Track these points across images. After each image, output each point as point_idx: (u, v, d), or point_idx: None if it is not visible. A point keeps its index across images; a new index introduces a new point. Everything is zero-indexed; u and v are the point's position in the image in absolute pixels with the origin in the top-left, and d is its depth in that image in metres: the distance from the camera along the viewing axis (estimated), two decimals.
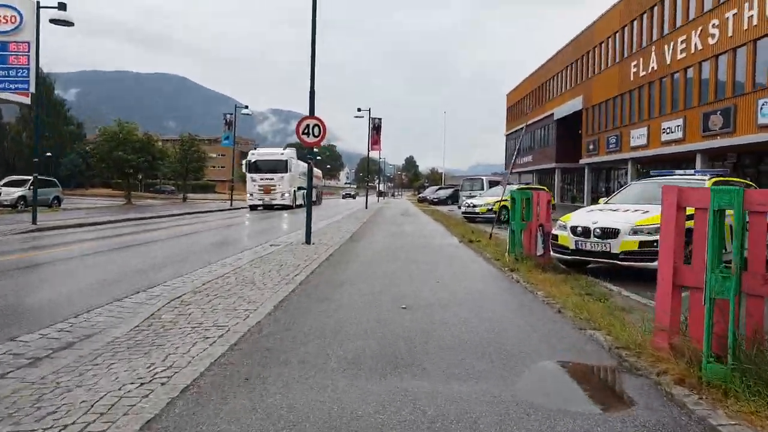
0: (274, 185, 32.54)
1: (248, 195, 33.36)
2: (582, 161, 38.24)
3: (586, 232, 8.34)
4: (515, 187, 25.02)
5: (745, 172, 22.54)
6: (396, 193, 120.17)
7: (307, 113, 12.46)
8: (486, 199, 22.90)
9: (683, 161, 25.91)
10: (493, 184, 26.84)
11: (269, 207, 33.04)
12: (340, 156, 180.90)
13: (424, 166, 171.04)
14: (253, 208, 33.05)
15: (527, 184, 25.55)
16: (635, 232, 7.86)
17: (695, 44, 23.77)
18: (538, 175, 51.38)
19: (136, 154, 32.90)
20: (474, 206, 22.86)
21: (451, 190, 54.61)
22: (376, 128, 35.03)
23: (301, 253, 10.79)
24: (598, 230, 8.17)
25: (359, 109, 34.65)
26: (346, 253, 11.06)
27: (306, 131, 12.20)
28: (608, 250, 8.04)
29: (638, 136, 29.08)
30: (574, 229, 8.57)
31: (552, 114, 44.79)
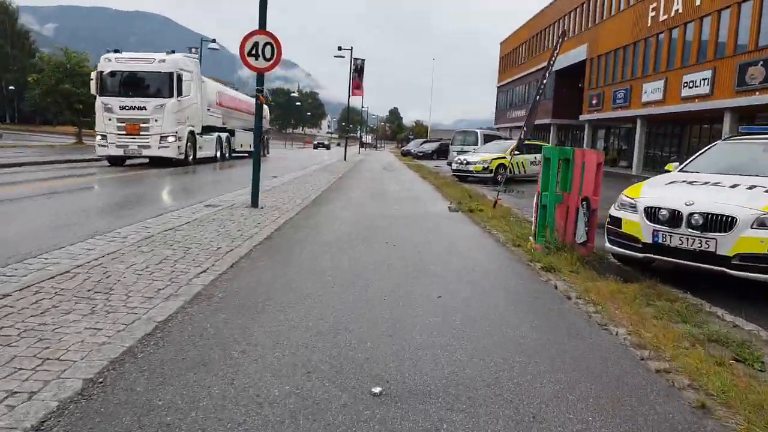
0: (147, 120, 18.47)
1: (98, 138, 18.73)
2: (583, 117, 35.06)
3: (674, 219, 5.23)
4: (509, 143, 21.81)
5: None
6: (379, 145, 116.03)
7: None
8: (481, 156, 19.72)
9: (707, 121, 22.91)
10: (488, 138, 23.63)
11: (137, 158, 19.34)
12: (322, 104, 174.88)
13: (408, 119, 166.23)
14: (113, 161, 19.00)
15: (529, 140, 22.28)
16: (763, 223, 4.78)
17: None
18: (531, 131, 48.07)
19: (86, 87, 28.66)
20: (467, 163, 19.68)
21: (437, 143, 51.26)
22: (357, 70, 31.19)
23: (236, 223, 7.57)
24: (697, 216, 5.06)
25: (340, 48, 30.67)
26: (302, 226, 7.87)
27: (254, 51, 8.73)
28: (712, 250, 4.96)
29: (652, 90, 25.88)
30: (651, 213, 5.46)
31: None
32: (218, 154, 23.89)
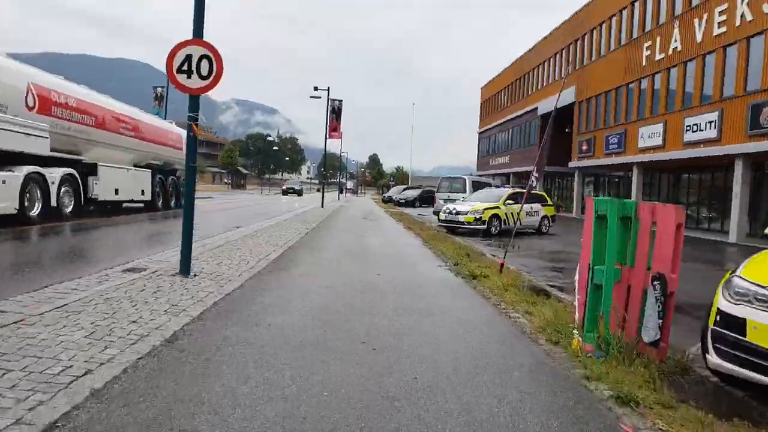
0: None
1: None
2: (572, 164, 33.48)
3: None
4: (501, 191, 19.77)
5: None
6: (359, 191, 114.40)
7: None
8: (472, 205, 17.57)
9: (713, 168, 21.24)
10: (477, 185, 21.62)
11: None
12: (302, 150, 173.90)
13: (387, 166, 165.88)
14: None
15: (521, 186, 20.30)
16: None
17: (742, 14, 18.99)
18: (515, 178, 46.62)
19: None
20: (457, 213, 17.49)
21: (419, 190, 49.45)
22: (335, 111, 29.33)
23: (137, 306, 5.06)
24: None
25: (316, 88, 28.86)
26: (238, 311, 5.38)
27: (185, 68, 6.46)
28: None
29: (650, 134, 24.33)
30: None
31: (535, 109, 40.03)
32: (37, 205, 12.46)
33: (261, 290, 6.23)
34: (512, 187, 20.13)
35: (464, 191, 21.08)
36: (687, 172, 24.04)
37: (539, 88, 40.77)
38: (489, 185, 22.24)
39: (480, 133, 59.46)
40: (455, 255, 10.81)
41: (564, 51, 35.95)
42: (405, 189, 52.31)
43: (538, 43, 41.23)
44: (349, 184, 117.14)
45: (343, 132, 58.27)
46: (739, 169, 18.93)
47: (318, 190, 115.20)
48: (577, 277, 5.02)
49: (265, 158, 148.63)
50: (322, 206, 29.38)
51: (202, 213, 20.74)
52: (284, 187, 64.39)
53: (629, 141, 26.41)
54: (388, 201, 52.08)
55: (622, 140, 26.95)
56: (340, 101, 29.63)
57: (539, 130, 39.65)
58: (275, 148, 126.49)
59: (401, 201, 46.01)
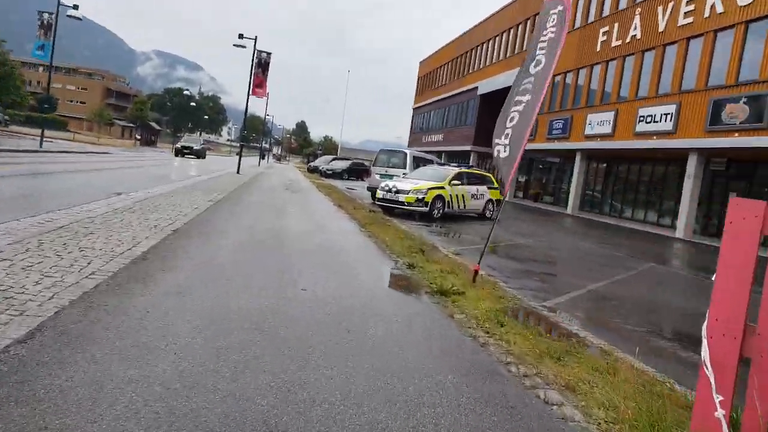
0: None
1: None
2: (531, 146, 31.91)
3: None
4: (447, 170, 17.49)
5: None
6: (283, 158, 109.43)
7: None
8: (414, 184, 15.13)
9: (664, 161, 20.10)
10: (419, 162, 19.18)
11: None
12: (224, 109, 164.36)
13: (315, 135, 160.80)
14: None
15: (468, 166, 18.09)
16: None
17: (713, 5, 17.60)
18: (448, 157, 44.93)
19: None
20: (397, 192, 14.98)
21: (349, 162, 46.60)
22: (261, 65, 25.66)
23: None
24: None
25: (241, 36, 25.01)
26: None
27: None
28: None
29: (599, 122, 22.95)
30: None
31: (476, 88, 38.22)
32: None
33: (87, 327, 3.36)
34: (459, 165, 17.84)
35: (404, 167, 18.61)
36: (636, 163, 22.97)
37: (481, 66, 38.90)
38: (431, 162, 19.92)
39: (415, 109, 57.29)
40: (405, 250, 8.30)
41: (512, 30, 34.12)
42: (333, 159, 49.21)
43: (484, 21, 39.23)
44: (278, 150, 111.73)
45: (269, 93, 54.00)
46: (693, 163, 17.80)
47: (237, 154, 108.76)
48: (705, 350, 2.60)
49: (182, 115, 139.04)
50: (238, 172, 25.89)
51: (84, 172, 16.85)
52: (177, 145, 43.84)
53: (575, 127, 25.04)
54: (313, 171, 48.84)
55: (567, 126, 25.54)
56: (269, 54, 25.97)
57: (478, 109, 37.94)
58: (193, 104, 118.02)
59: (328, 172, 43.02)
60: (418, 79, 58.05)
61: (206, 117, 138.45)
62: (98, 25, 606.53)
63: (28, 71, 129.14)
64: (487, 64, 37.81)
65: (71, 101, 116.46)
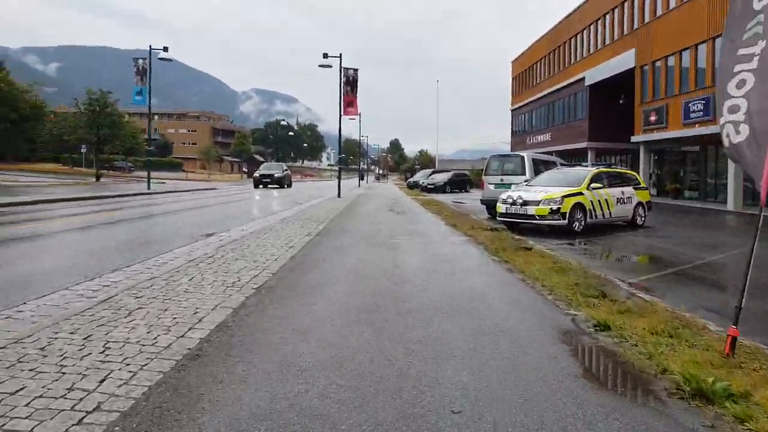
0: None
1: None
2: (636, 138, 27.91)
3: None
4: (582, 171, 14.49)
5: None
6: (381, 176, 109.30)
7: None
8: (547, 191, 12.48)
9: None
10: (540, 164, 16.42)
11: None
12: (322, 137, 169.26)
13: (408, 150, 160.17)
14: None
15: (606, 164, 14.90)
16: None
17: None
18: (560, 157, 41.04)
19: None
20: (524, 203, 12.42)
21: (450, 173, 44.30)
22: (349, 83, 24.24)
23: None
24: None
25: (325, 55, 23.75)
26: None
27: None
28: None
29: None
30: None
31: (582, 78, 34.38)
32: None
33: None
34: (594, 164, 14.84)
35: (522, 173, 15.93)
36: None
37: (585, 55, 35.04)
38: (554, 164, 17.04)
39: (513, 111, 53.82)
40: (570, 289, 5.86)
41: (617, 9, 30.16)
42: (433, 173, 47.13)
43: (583, 5, 35.41)
44: (374, 169, 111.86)
45: (361, 113, 53.32)
46: None
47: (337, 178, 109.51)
48: None
49: (283, 146, 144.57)
50: (339, 196, 24.48)
51: (182, 212, 16.00)
52: (256, 175, 37.81)
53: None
54: (413, 186, 47.06)
55: (709, 105, 21.39)
56: (355, 71, 24.50)
57: (588, 101, 34.08)
58: (290, 133, 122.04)
59: (429, 186, 40.97)
60: (513, 78, 54.58)
61: (305, 145, 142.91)
62: (203, 73, 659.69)
63: (144, 120, 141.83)
64: (592, 51, 33.91)
65: (184, 143, 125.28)
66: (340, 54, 24.15)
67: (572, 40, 37.46)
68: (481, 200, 17.59)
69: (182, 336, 3.83)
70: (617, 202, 13.45)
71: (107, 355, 3.38)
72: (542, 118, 43.93)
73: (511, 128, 54.63)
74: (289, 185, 39.29)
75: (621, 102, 31.92)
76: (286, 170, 39.71)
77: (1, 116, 21.12)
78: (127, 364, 3.23)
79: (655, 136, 25.77)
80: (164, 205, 18.15)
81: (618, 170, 14.65)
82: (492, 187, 16.85)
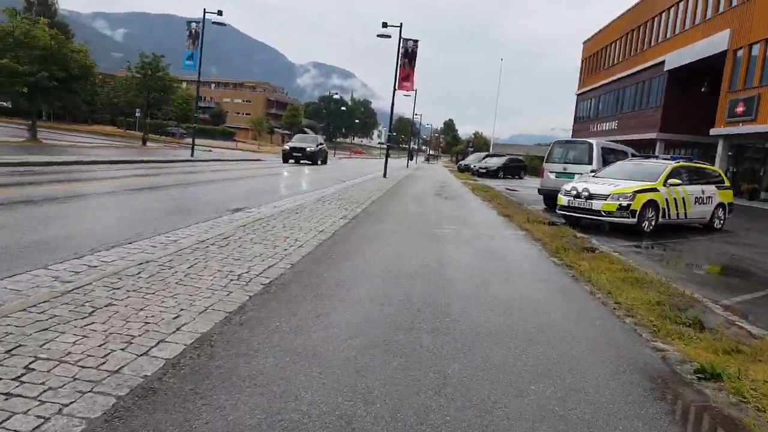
0: None
1: None
2: (716, 131, 25.39)
3: None
4: (659, 164, 12.70)
5: None
6: (431, 157, 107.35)
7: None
8: (617, 185, 10.96)
9: None
10: (609, 154, 14.75)
11: None
12: (374, 113, 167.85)
13: (462, 132, 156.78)
14: None
15: (688, 158, 13.04)
16: None
17: None
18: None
19: (35, 64, 21.22)
20: (589, 197, 10.97)
21: (504, 158, 42.35)
22: (407, 55, 22.86)
23: None
24: None
25: (385, 24, 22.43)
26: None
27: None
28: None
29: None
30: None
31: (661, 63, 31.62)
32: None
33: None
34: (674, 157, 13.07)
35: (589, 162, 14.33)
36: None
37: (667, 36, 32.17)
38: (626, 154, 15.32)
39: (579, 95, 50.89)
40: (651, 310, 4.74)
41: None
42: (486, 156, 45.26)
43: None
44: (425, 150, 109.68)
45: (416, 91, 51.76)
46: None
47: (389, 155, 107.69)
48: None
49: (336, 120, 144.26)
50: (385, 176, 23.41)
51: (219, 182, 15.29)
52: (285, 147, 32.87)
53: None
54: (464, 170, 45.37)
55: None
56: (415, 42, 23.09)
57: (665, 88, 31.40)
58: (342, 108, 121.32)
59: (481, 170, 39.22)
60: (583, 61, 51.46)
61: (357, 121, 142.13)
62: (263, 43, 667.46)
63: (201, 89, 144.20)
64: (676, 32, 31.04)
65: (238, 113, 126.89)
66: (401, 24, 22.81)
67: (655, 19, 34.50)
68: (539, 189, 16.11)
69: (144, 354, 2.87)
70: (695, 201, 11.77)
71: (20, 383, 2.44)
72: (610, 104, 41.14)
73: (575, 114, 51.74)
74: (324, 161, 34.05)
75: (703, 90, 29.19)
76: (321, 144, 33.81)
77: (48, 74, 20.99)
78: (40, 402, 2.28)
79: (741, 129, 23.24)
80: (202, 174, 17.58)
81: (700, 165, 12.85)
82: (553, 176, 15.32)
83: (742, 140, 25.35)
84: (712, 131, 25.56)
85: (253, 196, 11.74)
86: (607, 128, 40.01)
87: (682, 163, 12.03)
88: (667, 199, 11.14)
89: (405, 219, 9.85)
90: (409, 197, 14.94)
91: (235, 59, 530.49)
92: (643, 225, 10.81)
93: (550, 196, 15.85)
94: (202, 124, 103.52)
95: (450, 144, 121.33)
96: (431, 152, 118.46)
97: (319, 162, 32.25)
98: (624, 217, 10.62)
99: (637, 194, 10.65)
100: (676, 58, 29.70)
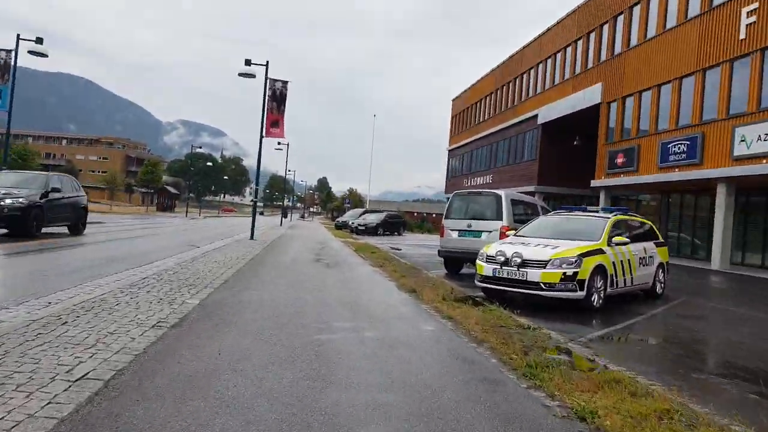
0: None
1: None
2: (597, 183, 25.06)
3: None
4: (599, 220, 10.34)
5: None
6: (306, 215, 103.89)
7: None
8: (557, 248, 8.29)
9: None
10: (519, 207, 12.42)
11: None
12: (246, 171, 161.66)
13: (336, 190, 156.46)
14: None
15: (624, 210, 10.96)
16: None
17: None
18: None
19: None
20: (523, 263, 8.18)
21: (383, 214, 40.34)
22: (276, 98, 19.56)
23: None
24: None
25: (248, 62, 19.04)
26: None
27: None
28: None
29: (761, 136, 16.01)
30: None
31: (534, 117, 31.79)
32: None
33: None
34: (603, 209, 10.86)
35: (498, 217, 11.80)
36: None
37: (539, 91, 32.59)
38: (535, 206, 13.16)
39: (450, 151, 51.20)
40: None
41: (581, 41, 27.84)
42: (364, 212, 42.90)
43: (540, 37, 33.21)
44: (301, 207, 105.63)
45: (289, 142, 48.51)
46: None
47: (262, 213, 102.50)
48: None
49: (205, 179, 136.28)
50: (252, 237, 19.45)
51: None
52: None
53: (709, 148, 18.14)
54: (342, 227, 42.56)
55: (694, 147, 18.63)
56: (284, 83, 19.93)
57: (540, 141, 31.40)
58: (209, 163, 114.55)
59: (360, 227, 36.63)
60: (452, 117, 52.19)
61: (225, 178, 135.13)
62: (127, 100, 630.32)
63: (49, 145, 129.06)
64: (548, 87, 31.48)
65: (93, 171, 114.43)
66: (267, 62, 19.59)
67: (524, 75, 35.06)
68: (439, 251, 13.27)
69: None
70: (639, 263, 9.57)
71: None
72: (484, 158, 41.16)
73: (447, 168, 51.83)
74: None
75: (575, 143, 29.42)
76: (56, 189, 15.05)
77: None
78: None
79: (622, 180, 22.89)
80: None
81: (636, 218, 10.86)
82: (455, 234, 12.61)
83: (621, 191, 25.26)
84: (594, 182, 25.24)
85: (26, 286, 7.35)
86: (482, 182, 39.72)
87: (620, 216, 9.84)
88: (614, 263, 8.73)
89: (269, 315, 6.18)
90: (280, 268, 11.25)
91: (98, 117, 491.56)
92: (592, 299, 8.21)
93: (452, 260, 13.16)
94: None
95: (325, 201, 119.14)
96: (306, 211, 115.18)
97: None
98: (569, 290, 7.93)
99: (584, 258, 8.06)
100: (549, 112, 29.82)
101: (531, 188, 31.26)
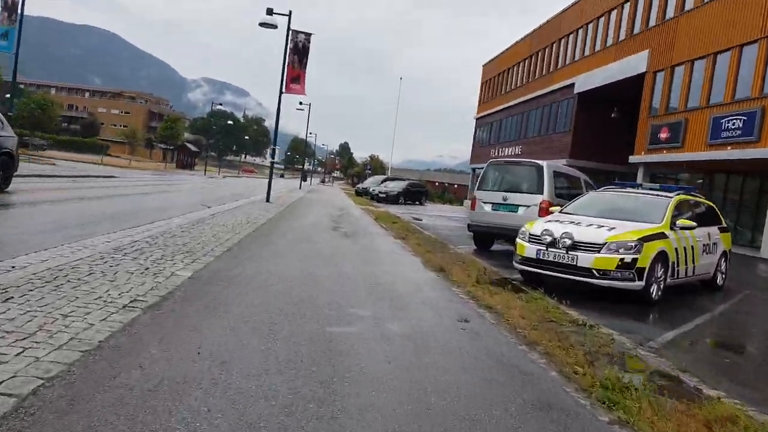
0: None
1: None
2: (635, 159, 23.41)
3: None
4: (660, 200, 8.87)
5: None
6: (327, 179, 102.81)
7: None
8: (611, 228, 7.07)
9: None
10: (561, 179, 11.12)
11: None
12: (268, 132, 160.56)
13: (357, 156, 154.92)
14: None
15: (688, 189, 9.51)
16: None
17: None
18: None
19: None
20: (573, 245, 6.97)
21: (405, 183, 39.08)
22: (298, 51, 18.25)
23: None
24: None
25: (270, 11, 17.65)
26: None
27: None
28: None
29: None
30: None
31: (570, 85, 29.87)
32: None
33: None
34: (662, 188, 9.46)
35: (538, 190, 10.55)
36: None
37: (578, 58, 30.58)
38: (579, 180, 11.87)
39: (478, 119, 49.25)
40: None
41: (628, 4, 25.72)
42: (386, 180, 41.62)
43: (581, 0, 30.97)
44: (321, 171, 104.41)
45: (311, 102, 47.14)
46: None
47: (282, 176, 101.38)
48: None
49: (226, 138, 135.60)
50: (268, 200, 18.45)
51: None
52: None
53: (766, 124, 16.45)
54: (362, 193, 41.44)
55: (753, 123, 16.93)
56: (308, 36, 18.57)
57: (575, 112, 29.60)
58: (230, 122, 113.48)
59: (381, 195, 35.51)
60: (482, 84, 50.06)
61: (247, 138, 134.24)
62: (151, 55, 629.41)
63: (72, 96, 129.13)
64: (588, 54, 29.46)
65: (115, 125, 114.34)
66: (290, 12, 18.20)
67: (562, 40, 32.95)
68: (468, 225, 12.08)
69: None
70: (703, 251, 8.29)
71: None
72: (513, 128, 39.35)
73: (474, 138, 50.03)
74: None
75: (613, 116, 27.58)
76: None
77: None
78: None
79: (665, 157, 21.23)
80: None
81: (700, 199, 9.52)
82: (488, 207, 11.38)
83: (662, 169, 23.59)
84: (632, 158, 23.58)
85: (13, 242, 6.41)
86: (509, 153, 38.00)
87: (684, 196, 8.52)
88: (676, 249, 7.48)
89: (272, 296, 5.12)
90: (293, 236, 10.21)
91: (123, 71, 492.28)
92: (651, 291, 7.02)
93: (483, 235, 11.98)
94: (69, 135, 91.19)
95: (346, 166, 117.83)
96: (327, 174, 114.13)
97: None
98: (627, 279, 6.74)
99: (645, 243, 6.84)
100: (588, 80, 27.91)
101: (563, 161, 29.53)
